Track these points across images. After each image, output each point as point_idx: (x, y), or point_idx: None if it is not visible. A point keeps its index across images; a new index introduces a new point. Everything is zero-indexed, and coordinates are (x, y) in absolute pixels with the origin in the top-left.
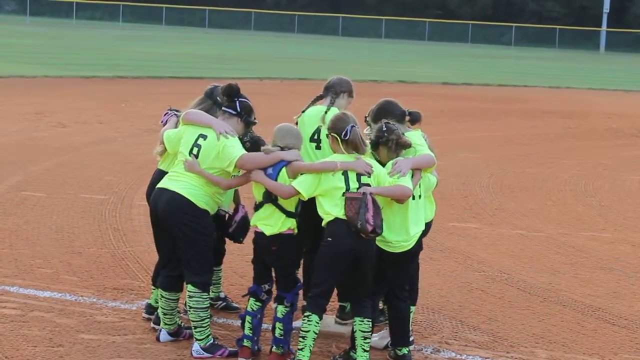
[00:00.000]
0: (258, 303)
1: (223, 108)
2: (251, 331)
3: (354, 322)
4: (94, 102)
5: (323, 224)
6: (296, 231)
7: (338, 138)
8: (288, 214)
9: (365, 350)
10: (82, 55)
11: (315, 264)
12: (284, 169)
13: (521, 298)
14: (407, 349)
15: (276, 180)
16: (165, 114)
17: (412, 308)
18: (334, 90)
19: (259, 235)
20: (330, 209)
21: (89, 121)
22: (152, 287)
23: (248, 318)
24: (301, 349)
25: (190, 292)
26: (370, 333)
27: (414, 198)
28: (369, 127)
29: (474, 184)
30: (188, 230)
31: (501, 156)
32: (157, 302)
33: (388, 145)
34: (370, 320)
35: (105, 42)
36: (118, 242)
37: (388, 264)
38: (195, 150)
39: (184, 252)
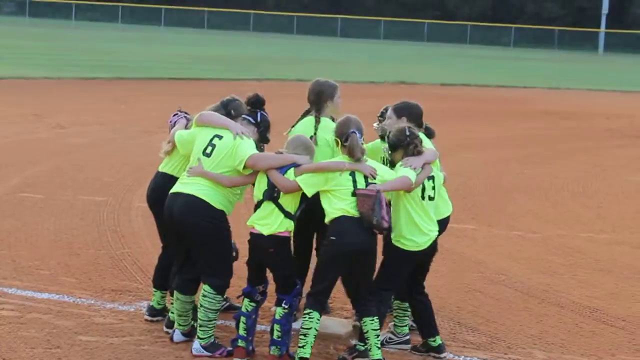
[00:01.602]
0: (252, 303)
1: (243, 115)
2: (246, 332)
3: (363, 322)
4: (93, 103)
5: (326, 220)
6: (292, 234)
7: (339, 142)
8: (286, 215)
9: (379, 347)
10: (81, 56)
11: (317, 264)
12: (291, 169)
13: (519, 299)
14: (440, 339)
15: None
16: (174, 115)
17: None
18: (316, 108)
19: (256, 236)
20: (338, 204)
21: (87, 122)
22: (153, 289)
23: (243, 319)
24: (302, 347)
25: (205, 291)
26: (379, 330)
27: (431, 199)
28: (378, 122)
29: (472, 184)
30: (205, 231)
31: (499, 157)
32: (160, 305)
33: (409, 149)
34: (377, 317)
35: (105, 43)
36: (116, 243)
37: (405, 262)
38: (209, 150)
39: (201, 255)
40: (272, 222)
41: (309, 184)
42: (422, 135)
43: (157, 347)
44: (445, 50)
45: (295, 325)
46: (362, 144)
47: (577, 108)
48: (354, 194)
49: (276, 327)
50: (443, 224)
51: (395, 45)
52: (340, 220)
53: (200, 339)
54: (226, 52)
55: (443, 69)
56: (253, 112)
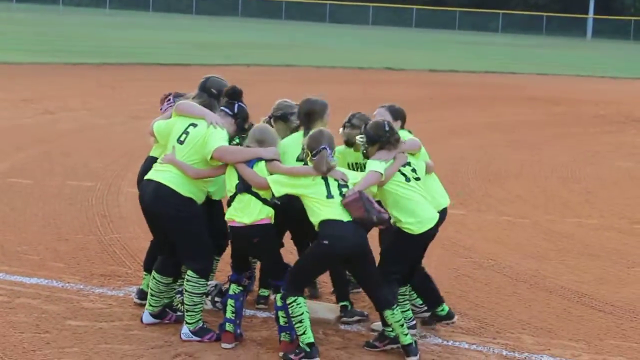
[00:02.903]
0: (240, 287)
1: (221, 107)
2: (233, 314)
3: (385, 316)
4: (81, 88)
5: (314, 222)
6: (272, 221)
7: (309, 154)
8: (264, 202)
9: (405, 335)
10: (69, 42)
11: (306, 260)
12: (261, 162)
13: (508, 284)
14: (447, 305)
15: None
16: (167, 100)
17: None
18: (306, 126)
19: (238, 229)
20: (324, 210)
21: (76, 108)
22: (144, 272)
23: (230, 301)
24: (303, 333)
25: (188, 276)
26: (403, 318)
27: (418, 179)
28: (344, 128)
29: (461, 170)
30: (175, 219)
31: (488, 143)
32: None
33: (386, 146)
34: (397, 306)
35: (92, 29)
36: (105, 228)
37: (413, 247)
38: (183, 137)
39: (176, 241)
40: (252, 211)
41: (278, 183)
42: (403, 132)
43: (146, 331)
44: (433, 36)
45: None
46: (332, 158)
47: (565, 94)
48: (328, 197)
49: (280, 313)
50: (441, 215)
51: (383, 31)
52: (330, 223)
53: (188, 323)
54: (214, 38)
55: (431, 54)
56: (230, 104)
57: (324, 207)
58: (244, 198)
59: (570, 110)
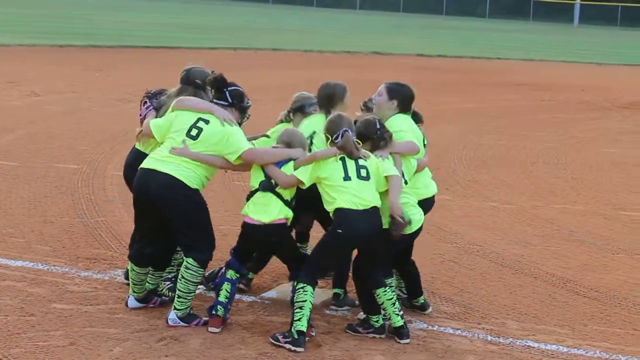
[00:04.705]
0: (238, 274)
1: (214, 100)
2: (227, 299)
3: (377, 295)
4: (68, 71)
5: (329, 209)
6: (289, 222)
7: (329, 139)
8: (285, 203)
9: (397, 314)
10: (56, 23)
11: (320, 248)
12: (289, 163)
13: (493, 270)
14: (423, 298)
15: None
16: (144, 104)
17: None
18: (327, 110)
19: (254, 227)
20: (339, 197)
21: (62, 90)
22: None
23: (227, 286)
24: (299, 319)
25: (188, 264)
26: (395, 297)
27: (406, 183)
28: (362, 112)
29: (447, 155)
30: (183, 209)
31: (475, 128)
32: None
33: (379, 143)
34: (388, 287)
35: (80, 11)
36: (91, 212)
37: (398, 244)
38: (194, 132)
39: (182, 232)
40: (272, 210)
41: (305, 176)
42: (403, 124)
43: (131, 315)
44: (420, 21)
45: (270, 294)
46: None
47: (552, 80)
48: (345, 178)
49: None
50: (427, 204)
51: (370, 15)
52: (345, 212)
53: (177, 309)
54: (202, 21)
55: (419, 40)
56: (221, 94)
57: (339, 194)
58: (266, 196)
59: (557, 96)
